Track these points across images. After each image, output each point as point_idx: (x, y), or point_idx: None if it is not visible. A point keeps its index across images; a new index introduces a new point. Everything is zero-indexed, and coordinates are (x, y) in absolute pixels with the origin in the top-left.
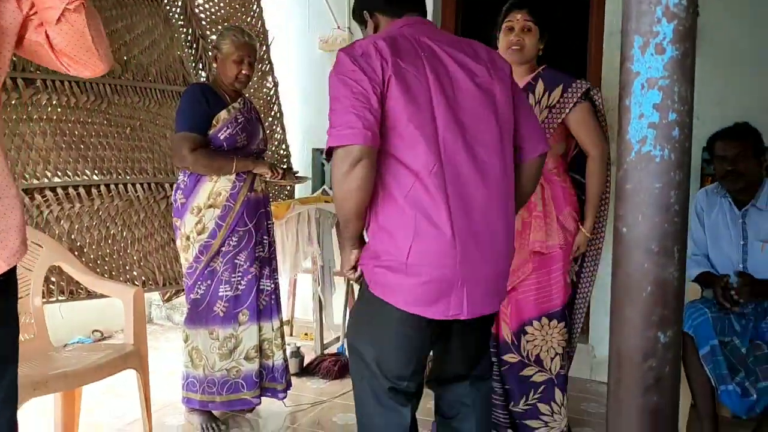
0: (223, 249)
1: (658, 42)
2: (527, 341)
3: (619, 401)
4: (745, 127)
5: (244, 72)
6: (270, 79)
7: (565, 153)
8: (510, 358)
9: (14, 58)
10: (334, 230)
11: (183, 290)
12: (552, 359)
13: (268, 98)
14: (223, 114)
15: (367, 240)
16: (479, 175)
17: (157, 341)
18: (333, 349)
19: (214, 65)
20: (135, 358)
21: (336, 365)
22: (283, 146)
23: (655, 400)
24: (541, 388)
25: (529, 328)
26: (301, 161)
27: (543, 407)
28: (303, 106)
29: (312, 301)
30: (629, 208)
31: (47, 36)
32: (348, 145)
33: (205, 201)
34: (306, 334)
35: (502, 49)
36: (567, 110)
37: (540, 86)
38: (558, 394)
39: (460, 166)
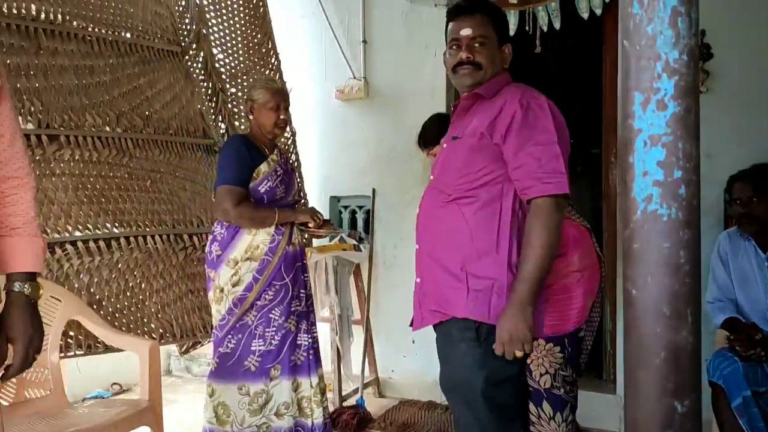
0: (258, 303)
1: (659, 98)
2: None
3: None
4: (762, 169)
5: (282, 117)
6: (288, 128)
7: None
8: None
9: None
10: (352, 278)
11: (200, 342)
12: (542, 375)
13: (286, 147)
14: (263, 167)
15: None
16: None
17: (176, 394)
18: (352, 401)
19: (250, 117)
20: (150, 415)
21: (355, 418)
22: (301, 194)
23: None
24: (529, 391)
25: None
26: (318, 209)
27: (531, 407)
28: (321, 154)
29: (330, 351)
30: (638, 269)
31: None
32: (564, 194)
33: (243, 254)
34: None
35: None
36: None
37: None
38: (547, 406)
39: None
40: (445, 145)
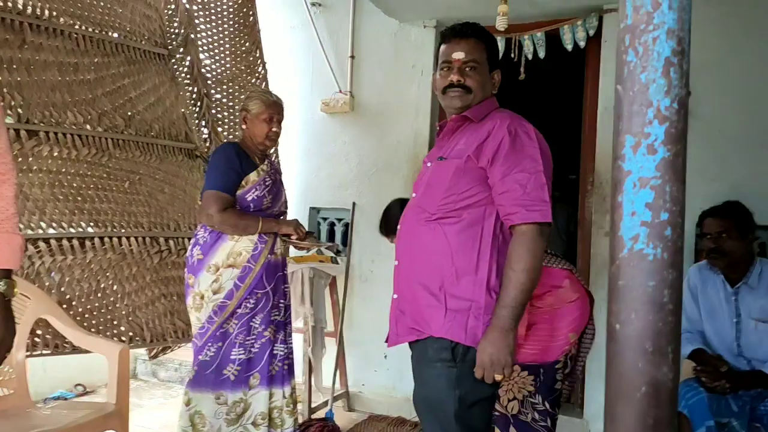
0: (239, 311)
1: (649, 143)
2: None
3: None
4: (733, 206)
5: (274, 129)
6: None
7: None
8: None
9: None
10: (327, 290)
11: (170, 347)
12: (510, 401)
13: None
14: (252, 176)
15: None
16: None
17: (140, 399)
18: (321, 414)
19: (243, 126)
20: (115, 419)
21: (323, 431)
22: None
23: None
24: (495, 417)
25: None
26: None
27: None
28: (303, 165)
29: (302, 363)
30: (622, 305)
31: None
32: (548, 222)
33: (224, 260)
34: None
35: None
36: None
37: None
38: None
39: None
40: (429, 164)
